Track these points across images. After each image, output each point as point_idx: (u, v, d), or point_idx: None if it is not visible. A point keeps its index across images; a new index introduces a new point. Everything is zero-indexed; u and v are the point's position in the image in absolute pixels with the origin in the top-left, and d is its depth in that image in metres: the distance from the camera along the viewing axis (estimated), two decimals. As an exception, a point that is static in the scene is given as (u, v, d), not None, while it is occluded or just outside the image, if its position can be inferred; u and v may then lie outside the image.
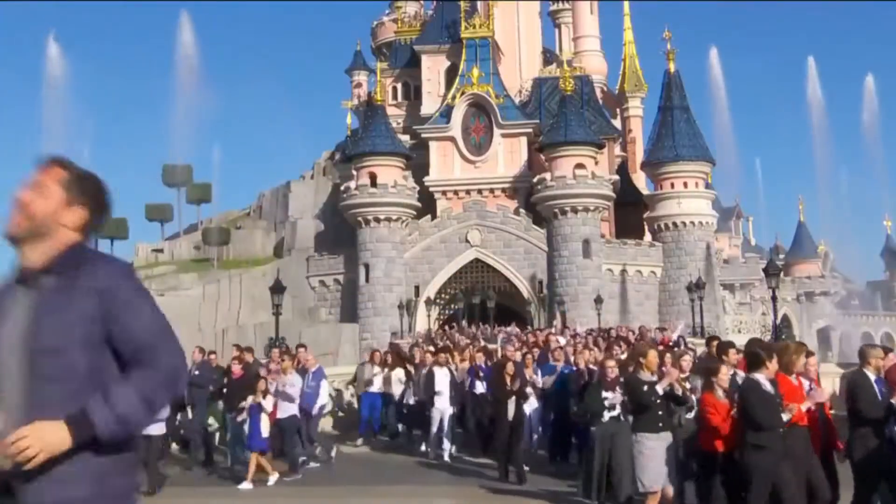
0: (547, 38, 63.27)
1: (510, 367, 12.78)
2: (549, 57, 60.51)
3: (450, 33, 55.19)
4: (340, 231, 52.98)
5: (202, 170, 60.36)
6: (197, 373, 14.77)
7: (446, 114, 51.79)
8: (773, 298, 28.11)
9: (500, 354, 18.47)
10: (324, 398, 14.80)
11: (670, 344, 19.93)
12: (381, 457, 15.67)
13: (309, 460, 14.21)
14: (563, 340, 21.30)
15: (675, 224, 50.48)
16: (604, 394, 9.97)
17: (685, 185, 51.04)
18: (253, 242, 56.11)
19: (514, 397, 12.56)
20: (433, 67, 55.87)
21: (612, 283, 47.84)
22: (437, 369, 14.64)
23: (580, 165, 47.20)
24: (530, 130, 51.60)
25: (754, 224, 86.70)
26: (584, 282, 46.16)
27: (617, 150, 56.24)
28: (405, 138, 53.03)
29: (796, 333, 55.59)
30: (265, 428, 12.69)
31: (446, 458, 14.30)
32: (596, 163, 48.73)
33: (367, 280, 47.79)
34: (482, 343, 24.56)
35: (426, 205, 50.39)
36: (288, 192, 59.34)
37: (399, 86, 59.39)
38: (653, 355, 9.10)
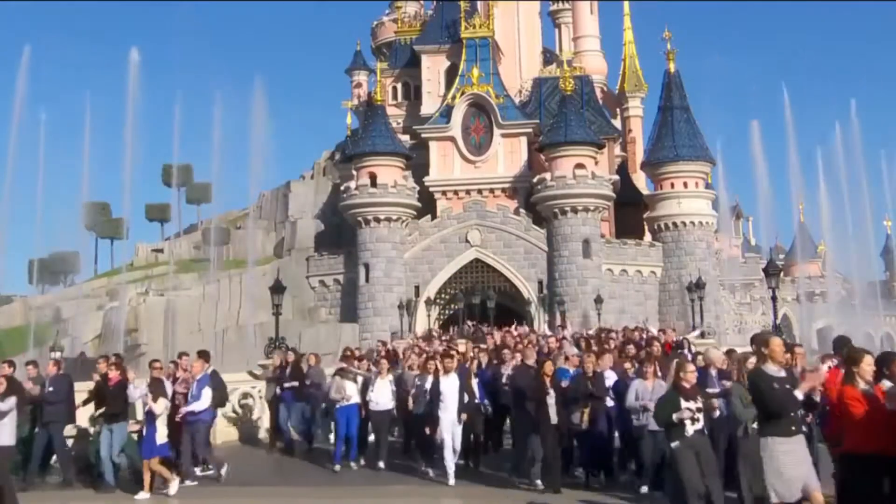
0: (547, 38, 63.32)
1: (548, 368, 11.97)
2: (549, 57, 60.50)
3: (450, 33, 55.20)
4: (340, 231, 53.02)
5: (202, 170, 60.42)
6: (51, 389, 13.39)
7: (446, 114, 51.80)
8: (773, 298, 28.06)
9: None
10: (202, 405, 13.28)
11: (672, 346, 19.88)
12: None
13: (193, 473, 13.42)
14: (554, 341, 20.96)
15: (675, 224, 50.48)
16: (683, 403, 8.71)
17: (685, 185, 51.03)
18: (253, 242, 56.15)
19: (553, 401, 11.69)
20: (433, 67, 55.88)
21: (612, 283, 47.84)
22: (443, 377, 13.03)
23: (580, 165, 47.21)
24: (530, 130, 51.61)
25: (754, 224, 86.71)
26: (584, 282, 46.18)
27: (617, 150, 56.23)
28: (405, 138, 53.04)
29: (796, 333, 55.56)
30: (161, 435, 12.25)
31: (452, 481, 12.67)
32: (596, 163, 48.73)
33: (367, 280, 47.79)
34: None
35: (426, 205, 50.39)
36: (288, 192, 59.42)
37: (399, 86, 59.41)
38: (777, 343, 7.96)
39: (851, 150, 45.48)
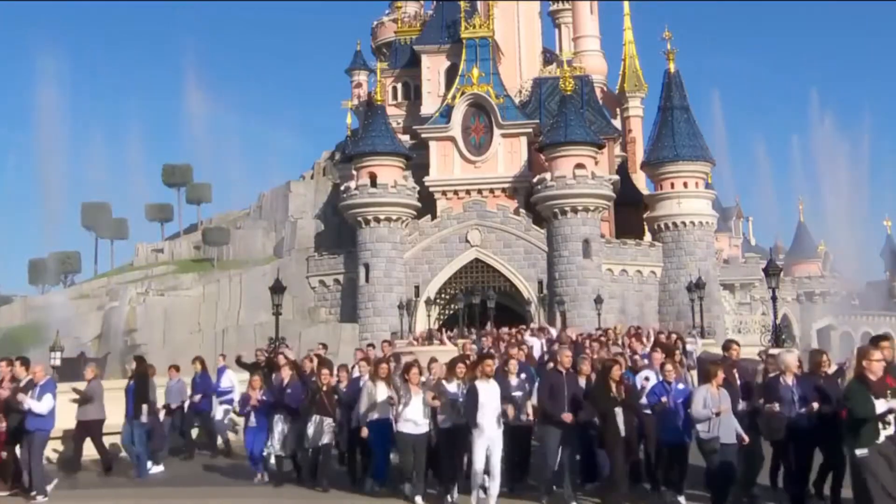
0: (547, 38, 63.25)
1: (616, 373, 10.62)
2: (549, 57, 60.47)
3: (450, 33, 55.19)
4: (340, 231, 53.07)
5: (202, 170, 60.57)
6: None
7: (446, 114, 51.79)
8: (773, 298, 28.17)
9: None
10: (44, 407, 11.78)
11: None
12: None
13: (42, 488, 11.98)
14: (536, 343, 20.36)
15: (675, 224, 50.49)
16: (876, 402, 7.17)
17: (685, 185, 51.05)
18: (253, 242, 56.16)
19: (621, 409, 10.45)
20: (433, 67, 55.86)
21: (612, 283, 47.85)
22: (480, 384, 10.79)
23: (580, 165, 47.23)
24: (530, 130, 51.61)
25: (754, 224, 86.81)
26: (583, 282, 46.20)
27: (617, 150, 56.24)
28: (405, 138, 53.04)
29: (796, 334, 55.58)
30: None
31: None
32: (596, 163, 48.74)
33: (367, 280, 47.82)
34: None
35: (426, 205, 50.40)
36: (288, 192, 59.45)
37: (399, 86, 59.39)
38: None
39: (852, 148, 45.57)
